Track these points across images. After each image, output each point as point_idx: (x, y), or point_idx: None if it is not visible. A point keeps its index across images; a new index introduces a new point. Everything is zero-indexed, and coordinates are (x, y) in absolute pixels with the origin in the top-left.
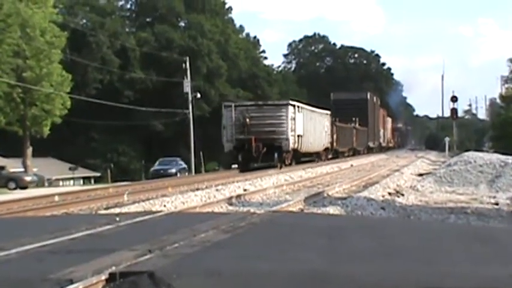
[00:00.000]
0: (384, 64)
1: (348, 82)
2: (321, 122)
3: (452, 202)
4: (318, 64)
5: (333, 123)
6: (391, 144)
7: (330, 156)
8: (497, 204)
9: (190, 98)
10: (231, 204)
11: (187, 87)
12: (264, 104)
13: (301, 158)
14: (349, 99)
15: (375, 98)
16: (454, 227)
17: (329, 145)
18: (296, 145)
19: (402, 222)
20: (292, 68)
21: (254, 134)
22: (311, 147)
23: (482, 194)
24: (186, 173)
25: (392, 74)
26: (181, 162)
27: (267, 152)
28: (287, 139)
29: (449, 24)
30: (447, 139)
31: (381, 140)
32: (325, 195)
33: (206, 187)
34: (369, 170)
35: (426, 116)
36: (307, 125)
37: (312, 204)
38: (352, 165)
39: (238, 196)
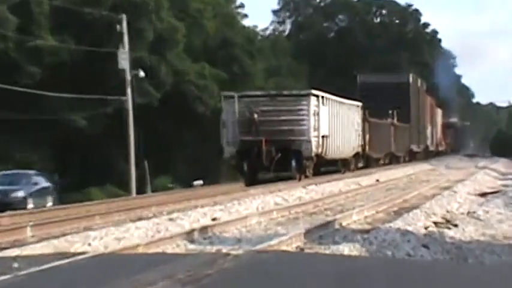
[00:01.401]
0: (426, 25)
1: (371, 53)
2: (350, 118)
3: None
4: (325, 25)
5: (364, 119)
6: (441, 148)
7: (360, 164)
8: None
9: (128, 78)
10: (192, 241)
11: (123, 61)
12: (277, 95)
13: (321, 167)
14: (384, 84)
15: (419, 82)
16: None
17: (360, 149)
18: (320, 149)
19: (456, 269)
20: (287, 32)
21: (265, 135)
22: (338, 153)
23: None
24: (50, 201)
25: (439, 41)
26: (40, 179)
27: (282, 158)
28: (309, 141)
29: None
30: None
31: (428, 142)
32: (337, 226)
33: (154, 215)
34: (403, 187)
35: (492, 105)
36: (333, 122)
37: (316, 241)
38: (378, 181)
39: (204, 228)
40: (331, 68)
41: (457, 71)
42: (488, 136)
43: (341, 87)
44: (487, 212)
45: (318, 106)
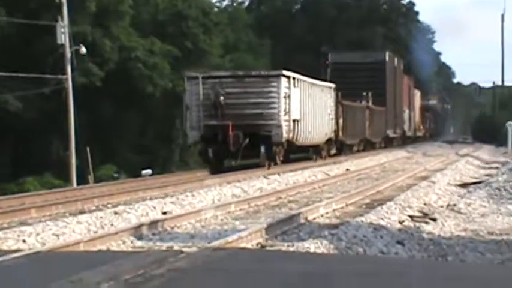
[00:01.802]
0: None
1: (340, 27)
2: (323, 101)
3: None
4: None
5: (338, 102)
6: (419, 133)
7: (333, 151)
8: None
9: (68, 54)
10: (140, 237)
11: (62, 35)
12: (245, 75)
13: (291, 154)
14: (357, 63)
15: (396, 60)
16: None
17: (333, 135)
18: (291, 135)
19: (434, 268)
20: (246, 3)
21: (231, 119)
22: (310, 138)
23: None
24: None
25: (417, 14)
26: None
27: (250, 144)
28: (279, 126)
29: None
30: (510, 125)
31: (406, 127)
32: (303, 220)
33: (97, 208)
34: (376, 177)
35: (474, 85)
36: (305, 105)
37: (279, 237)
38: (348, 170)
39: (153, 223)
40: (295, 43)
41: (436, 47)
42: (470, 120)
43: (307, 64)
44: (469, 204)
45: (288, 88)
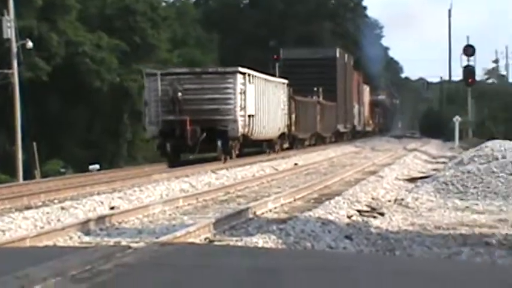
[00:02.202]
0: None
1: (289, 22)
2: (277, 96)
3: (466, 226)
4: None
5: (290, 98)
6: (369, 128)
7: (286, 145)
8: None
9: (14, 49)
10: (87, 232)
11: (8, 29)
12: (202, 72)
13: (245, 148)
14: (309, 59)
15: (346, 57)
16: (469, 269)
17: (286, 129)
18: (246, 129)
19: (381, 262)
20: None
21: (189, 114)
22: (264, 133)
23: None
24: None
25: (364, 9)
26: None
27: (207, 138)
28: (235, 121)
29: None
30: (457, 119)
31: (355, 122)
32: (251, 215)
33: (44, 203)
34: (324, 172)
35: (422, 80)
36: (260, 101)
37: (227, 232)
38: (296, 165)
39: (101, 219)
40: (244, 38)
41: (384, 42)
42: (418, 115)
43: (256, 59)
44: (416, 199)
45: (244, 84)
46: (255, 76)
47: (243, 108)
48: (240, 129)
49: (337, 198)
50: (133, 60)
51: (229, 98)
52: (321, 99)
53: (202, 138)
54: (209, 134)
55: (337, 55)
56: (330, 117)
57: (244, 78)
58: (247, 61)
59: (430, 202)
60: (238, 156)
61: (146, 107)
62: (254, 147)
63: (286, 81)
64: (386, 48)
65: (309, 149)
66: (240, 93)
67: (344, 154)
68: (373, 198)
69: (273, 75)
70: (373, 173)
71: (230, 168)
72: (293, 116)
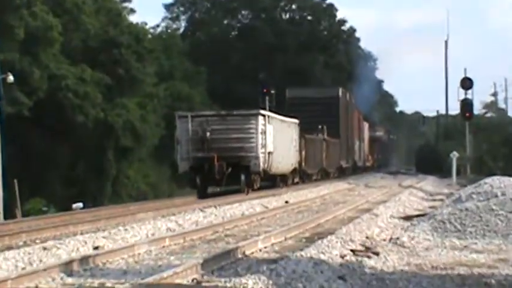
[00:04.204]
0: (342, 22)
1: (278, 54)
2: (290, 135)
3: (465, 266)
4: (226, 22)
5: (301, 136)
6: (368, 164)
7: (296, 179)
8: None
9: None
10: (70, 273)
11: None
12: (228, 114)
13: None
14: (313, 98)
15: (348, 95)
16: None
17: (297, 165)
18: (266, 165)
19: None
20: (181, 29)
21: (216, 152)
22: (280, 168)
23: None
24: None
25: (358, 41)
26: None
27: (232, 173)
28: (257, 157)
29: None
30: (455, 155)
31: (356, 157)
32: (240, 255)
33: (25, 243)
34: (317, 210)
35: (418, 114)
36: (277, 139)
37: (215, 272)
38: (287, 202)
39: (85, 259)
40: (233, 71)
41: (379, 75)
42: (414, 150)
43: (244, 92)
44: (413, 238)
45: (264, 125)
46: (273, 117)
47: (264, 146)
48: (261, 165)
49: (330, 237)
50: (117, 94)
51: (252, 137)
52: (325, 136)
53: (228, 172)
54: (234, 169)
55: (340, 94)
56: (334, 153)
57: (265, 119)
58: (237, 94)
59: (426, 241)
60: (258, 189)
61: (178, 145)
62: (268, 181)
63: (297, 121)
64: (381, 81)
65: (299, 186)
66: (261, 132)
67: (337, 191)
68: (367, 237)
69: (263, 108)
70: (367, 210)
71: (219, 206)
72: (303, 153)
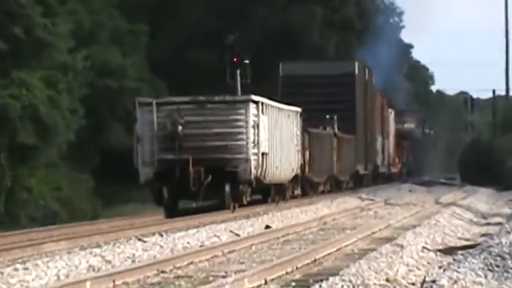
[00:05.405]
0: None
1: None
2: (289, 129)
3: None
4: None
5: (304, 130)
6: (394, 170)
7: (297, 191)
8: None
9: None
10: None
11: None
12: (207, 101)
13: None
14: (319, 76)
15: (366, 72)
16: None
17: (299, 171)
18: (259, 171)
19: None
20: None
21: (191, 153)
22: (277, 175)
23: None
24: None
25: None
26: None
27: (213, 182)
28: (247, 160)
29: None
30: None
31: (379, 160)
32: None
33: None
34: (313, 239)
35: (464, 95)
36: (273, 135)
37: None
38: (268, 227)
39: None
40: (187, 31)
41: (405, 37)
42: (458, 149)
43: (203, 61)
44: (456, 281)
45: (257, 116)
46: (268, 105)
47: (256, 144)
48: (253, 171)
49: (332, 279)
50: (12, 65)
51: (240, 133)
52: (336, 130)
53: (207, 181)
54: (215, 176)
55: (356, 71)
56: (348, 155)
57: (257, 108)
58: (193, 66)
59: (477, 285)
60: (248, 204)
61: (138, 143)
62: (259, 193)
63: (299, 109)
64: (408, 46)
65: (287, 204)
66: (253, 126)
67: (343, 211)
68: (387, 280)
69: (233, 86)
70: (389, 240)
71: (167, 232)
72: (307, 154)
